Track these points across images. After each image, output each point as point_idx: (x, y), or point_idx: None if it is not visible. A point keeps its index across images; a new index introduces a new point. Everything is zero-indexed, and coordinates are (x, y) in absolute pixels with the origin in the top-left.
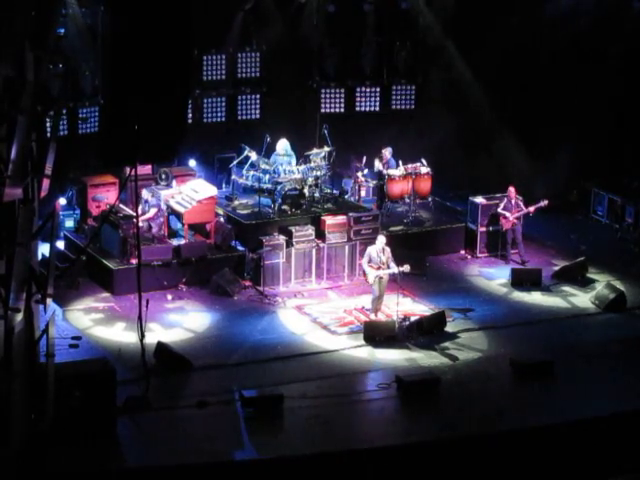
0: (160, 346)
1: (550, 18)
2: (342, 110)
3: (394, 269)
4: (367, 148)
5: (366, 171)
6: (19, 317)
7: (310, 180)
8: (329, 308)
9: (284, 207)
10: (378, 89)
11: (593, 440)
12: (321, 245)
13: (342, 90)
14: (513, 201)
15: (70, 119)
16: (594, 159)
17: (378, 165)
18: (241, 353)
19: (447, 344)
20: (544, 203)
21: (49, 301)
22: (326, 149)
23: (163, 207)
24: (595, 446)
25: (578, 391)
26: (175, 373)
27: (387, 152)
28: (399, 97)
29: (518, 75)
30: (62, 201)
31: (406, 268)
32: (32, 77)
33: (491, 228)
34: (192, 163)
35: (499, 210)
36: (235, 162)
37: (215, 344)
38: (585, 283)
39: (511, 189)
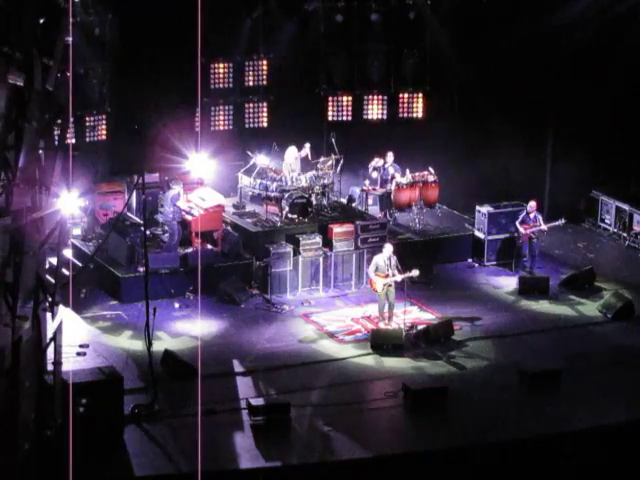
0: (167, 354)
1: (558, 25)
2: (349, 118)
3: (403, 275)
4: (374, 156)
5: (390, 164)
6: (27, 325)
7: (317, 188)
8: (336, 316)
9: (291, 215)
10: (385, 97)
11: (600, 449)
12: (328, 253)
13: (349, 98)
14: (532, 215)
15: (77, 127)
16: (602, 167)
17: (376, 165)
18: (248, 361)
19: (454, 353)
20: (561, 222)
21: (57, 309)
22: (333, 157)
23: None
24: (602, 454)
25: (585, 400)
26: (182, 381)
27: (389, 156)
28: (406, 105)
29: (526, 83)
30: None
31: (415, 273)
32: (40, 86)
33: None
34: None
35: (516, 223)
36: (242, 170)
37: (222, 352)
38: (593, 291)
39: (532, 203)
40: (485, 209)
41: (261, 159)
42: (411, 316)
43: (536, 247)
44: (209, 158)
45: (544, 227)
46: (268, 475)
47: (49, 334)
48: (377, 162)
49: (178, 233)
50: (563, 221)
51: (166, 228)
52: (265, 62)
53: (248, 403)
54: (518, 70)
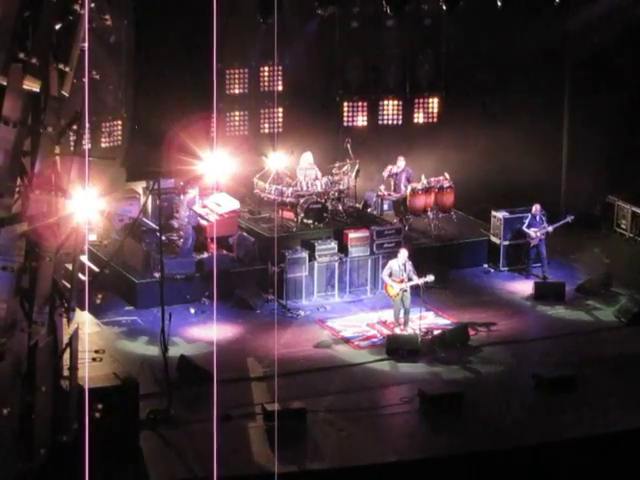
0: (183, 359)
1: (576, 28)
2: (365, 123)
3: (418, 280)
4: (389, 162)
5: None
6: (43, 330)
7: (333, 193)
8: (352, 322)
9: (307, 221)
10: (401, 102)
11: (617, 454)
12: (344, 259)
13: (365, 103)
14: (537, 217)
15: (93, 133)
16: (618, 172)
17: (389, 173)
18: (264, 366)
19: (470, 358)
20: (570, 218)
21: (73, 314)
22: (349, 162)
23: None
24: (619, 460)
25: (601, 405)
26: (198, 386)
27: (400, 161)
28: (422, 110)
29: (542, 87)
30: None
31: (430, 278)
32: (56, 92)
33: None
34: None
35: (524, 228)
36: (258, 175)
37: (238, 357)
38: (609, 296)
39: (536, 206)
40: (500, 214)
41: (275, 164)
42: (427, 321)
43: (543, 249)
44: (224, 162)
45: (549, 228)
46: None
47: (65, 339)
48: (391, 169)
49: (192, 238)
50: (572, 217)
51: (181, 233)
52: (280, 67)
53: (264, 408)
54: (534, 74)
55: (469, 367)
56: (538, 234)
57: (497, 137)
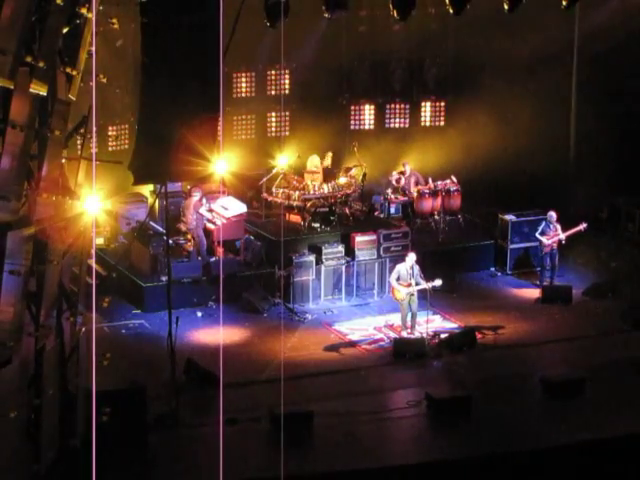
0: (190, 363)
1: (583, 33)
2: (372, 127)
3: (426, 285)
4: (396, 165)
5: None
6: (50, 334)
7: (340, 197)
8: (359, 325)
9: (314, 224)
10: (408, 106)
11: (625, 458)
12: (351, 262)
13: (372, 107)
14: (552, 225)
15: (100, 137)
16: (625, 175)
17: (395, 180)
18: (271, 370)
19: (477, 361)
20: (582, 227)
21: (80, 318)
22: (355, 166)
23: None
24: (626, 464)
25: (609, 409)
26: (205, 390)
27: (407, 167)
28: (428, 113)
29: (549, 91)
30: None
31: (437, 282)
32: (63, 95)
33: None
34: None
35: (537, 234)
36: (265, 179)
37: (245, 361)
38: (615, 300)
39: (552, 213)
40: (508, 217)
41: (282, 167)
42: (434, 325)
43: (556, 257)
44: (231, 166)
45: (562, 236)
46: None
47: (72, 343)
48: (398, 177)
49: (204, 240)
50: (584, 225)
51: (189, 236)
52: (287, 71)
53: (270, 411)
54: (541, 76)
55: (476, 370)
56: (550, 242)
57: (504, 139)
